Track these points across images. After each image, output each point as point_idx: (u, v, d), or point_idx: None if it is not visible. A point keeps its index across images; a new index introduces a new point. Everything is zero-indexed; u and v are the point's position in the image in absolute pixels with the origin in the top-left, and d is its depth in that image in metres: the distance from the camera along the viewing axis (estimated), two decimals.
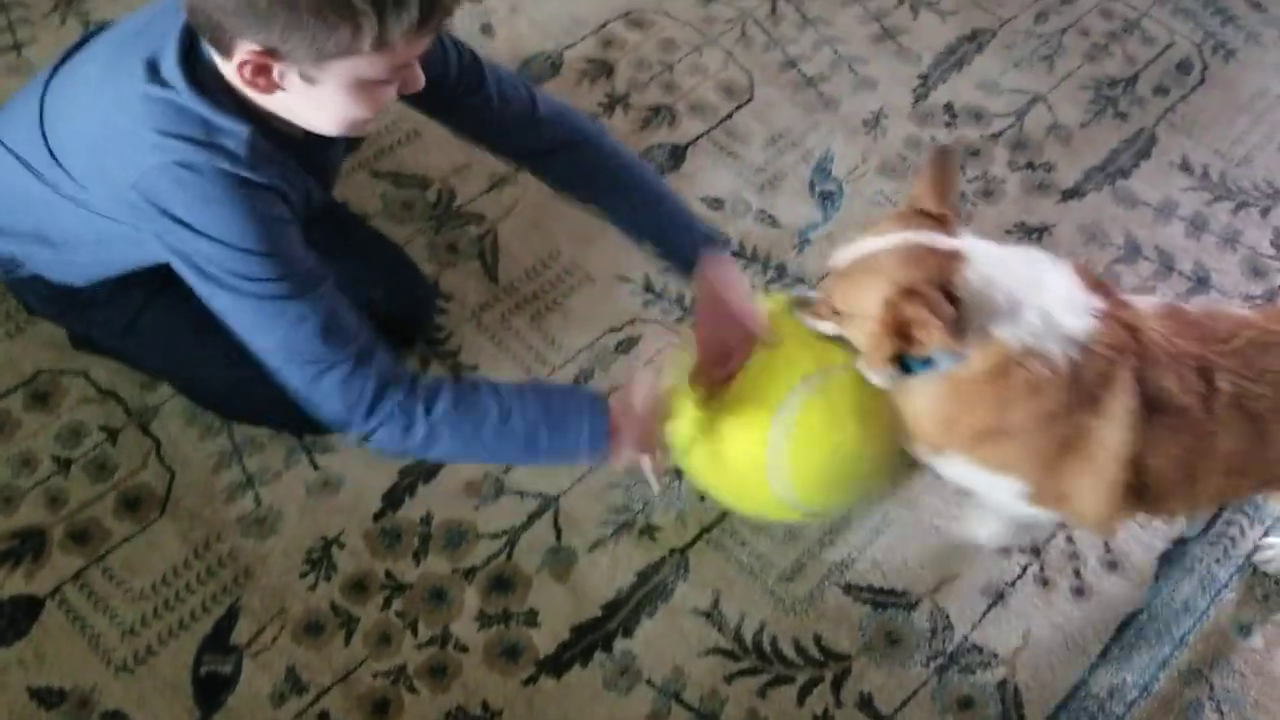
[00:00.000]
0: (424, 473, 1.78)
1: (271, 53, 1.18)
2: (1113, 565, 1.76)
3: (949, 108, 2.35)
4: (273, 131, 1.31)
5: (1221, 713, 1.64)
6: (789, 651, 1.67)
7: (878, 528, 1.78)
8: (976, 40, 2.47)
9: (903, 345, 1.29)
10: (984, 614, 1.71)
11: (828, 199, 2.18)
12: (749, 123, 2.28)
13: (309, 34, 1.14)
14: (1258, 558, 1.78)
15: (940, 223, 1.34)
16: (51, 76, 1.41)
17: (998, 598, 1.72)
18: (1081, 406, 1.32)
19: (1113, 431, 1.33)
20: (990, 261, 1.31)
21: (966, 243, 1.33)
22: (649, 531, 1.75)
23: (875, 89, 2.37)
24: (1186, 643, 1.69)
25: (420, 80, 1.30)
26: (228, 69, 1.23)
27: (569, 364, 1.91)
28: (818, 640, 1.68)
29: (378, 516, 1.74)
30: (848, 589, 1.72)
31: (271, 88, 1.23)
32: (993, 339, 1.29)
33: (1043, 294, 1.31)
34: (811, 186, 2.20)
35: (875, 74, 2.39)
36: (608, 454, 1.41)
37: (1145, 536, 1.79)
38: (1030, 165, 2.26)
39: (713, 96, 2.31)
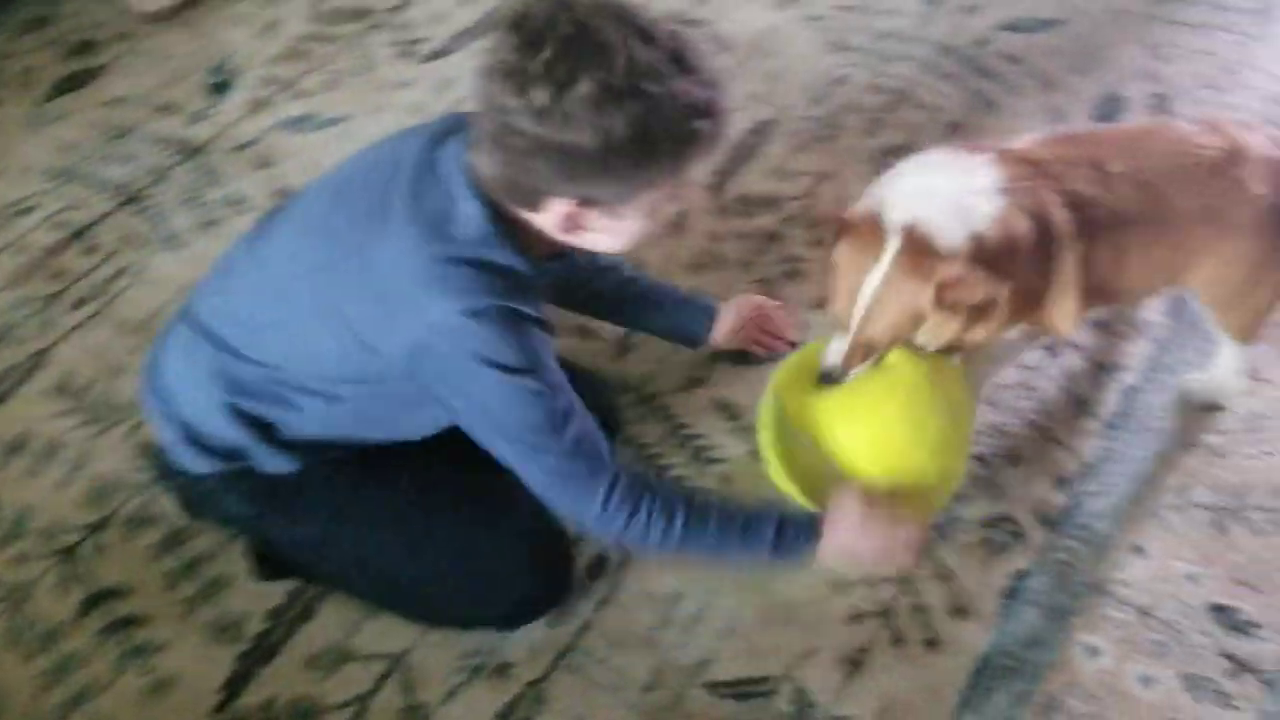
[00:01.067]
0: (262, 654, 1.73)
1: (587, 202, 1.33)
2: (960, 611, 1.78)
3: (744, 199, 2.43)
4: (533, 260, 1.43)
5: None
6: None
7: (731, 618, 1.78)
8: (762, 131, 2.58)
9: (969, 312, 1.53)
10: (844, 684, 1.71)
11: None
12: None
13: (623, 185, 1.32)
14: (1184, 390, 2.03)
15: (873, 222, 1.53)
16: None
17: (854, 665, 1.73)
18: (1040, 232, 1.55)
19: (1064, 243, 1.58)
20: (920, 202, 1.52)
21: (903, 207, 1.52)
22: (502, 670, 1.72)
23: None
24: (1041, 675, 1.71)
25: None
26: (533, 218, 1.37)
27: None
28: None
29: (219, 709, 1.68)
30: (710, 687, 1.71)
31: (581, 230, 1.38)
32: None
33: (950, 186, 1.54)
34: None
35: None
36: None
37: (986, 576, 1.82)
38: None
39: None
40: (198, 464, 1.59)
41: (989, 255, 1.51)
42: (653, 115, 1.24)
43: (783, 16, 2.86)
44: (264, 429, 1.56)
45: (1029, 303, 1.64)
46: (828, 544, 1.55)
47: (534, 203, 1.35)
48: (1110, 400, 2.04)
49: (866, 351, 1.60)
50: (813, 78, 2.71)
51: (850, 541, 1.55)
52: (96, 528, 1.90)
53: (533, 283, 1.41)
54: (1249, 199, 1.67)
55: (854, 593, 1.80)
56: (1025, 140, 1.68)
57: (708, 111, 1.30)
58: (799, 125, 2.59)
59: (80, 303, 2.27)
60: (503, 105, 1.24)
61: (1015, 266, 1.55)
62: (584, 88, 1.20)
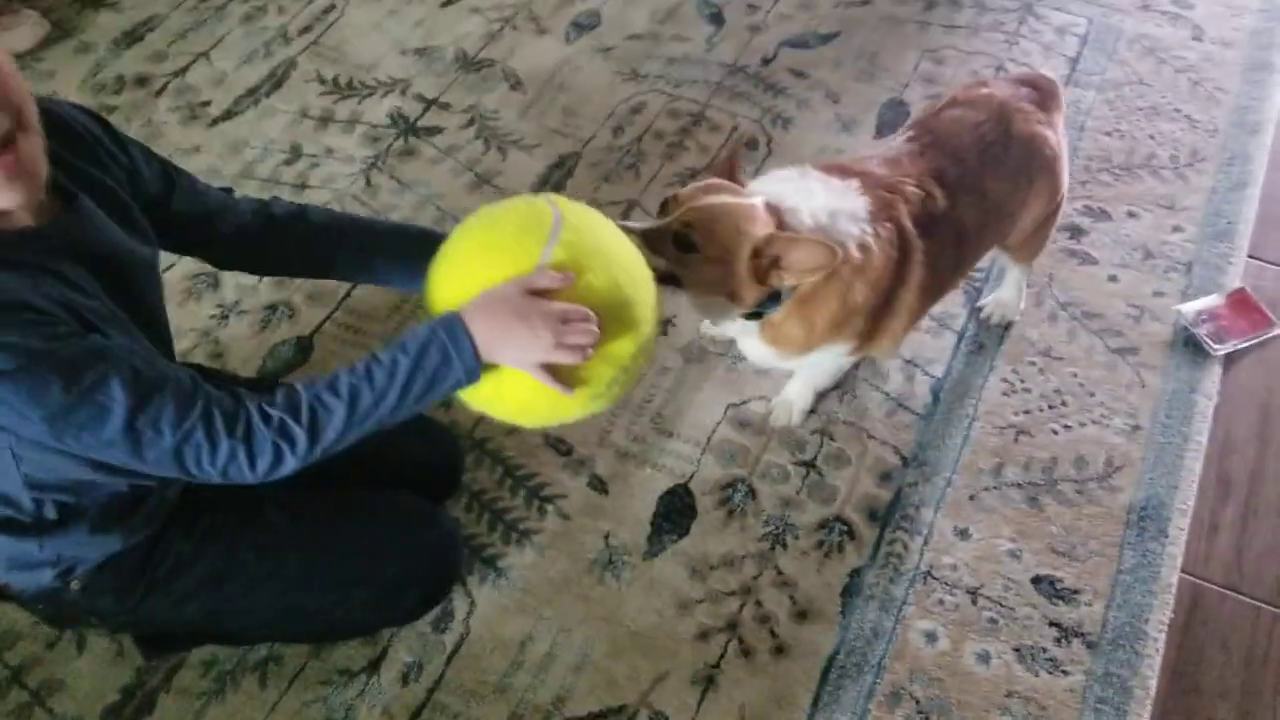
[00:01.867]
0: None
1: None
2: (802, 615, 1.83)
3: None
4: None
5: None
6: None
7: (582, 652, 1.78)
8: (565, 165, 2.60)
9: (763, 282, 1.56)
10: (699, 703, 1.73)
11: None
12: (369, 296, 2.29)
13: None
14: (982, 315, 2.23)
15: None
16: None
17: (708, 682, 1.75)
18: (897, 261, 1.65)
19: (915, 270, 1.68)
20: (792, 196, 1.60)
21: (770, 189, 1.62)
22: None
23: None
24: (885, 666, 1.77)
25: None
26: None
27: None
28: None
29: None
30: None
31: None
32: None
33: (824, 199, 1.60)
34: None
35: None
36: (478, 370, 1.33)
37: (824, 577, 1.87)
38: None
39: (327, 281, 2.30)
40: (39, 578, 1.48)
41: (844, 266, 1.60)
42: None
43: (573, 49, 2.89)
44: (36, 528, 1.42)
45: (868, 319, 1.71)
46: (478, 333, 1.30)
47: None
48: (921, 393, 2.13)
49: (666, 234, 1.54)
50: (610, 108, 2.74)
51: (500, 320, 1.30)
52: None
53: None
54: (1033, 145, 1.81)
55: (699, 610, 1.83)
56: (873, 161, 1.74)
57: None
58: (601, 156, 2.62)
59: None
60: None
61: (861, 284, 1.63)
62: None
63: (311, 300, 2.27)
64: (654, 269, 1.45)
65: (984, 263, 2.34)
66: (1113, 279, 2.34)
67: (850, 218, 1.61)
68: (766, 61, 2.88)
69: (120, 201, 1.40)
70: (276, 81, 2.75)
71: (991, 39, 2.95)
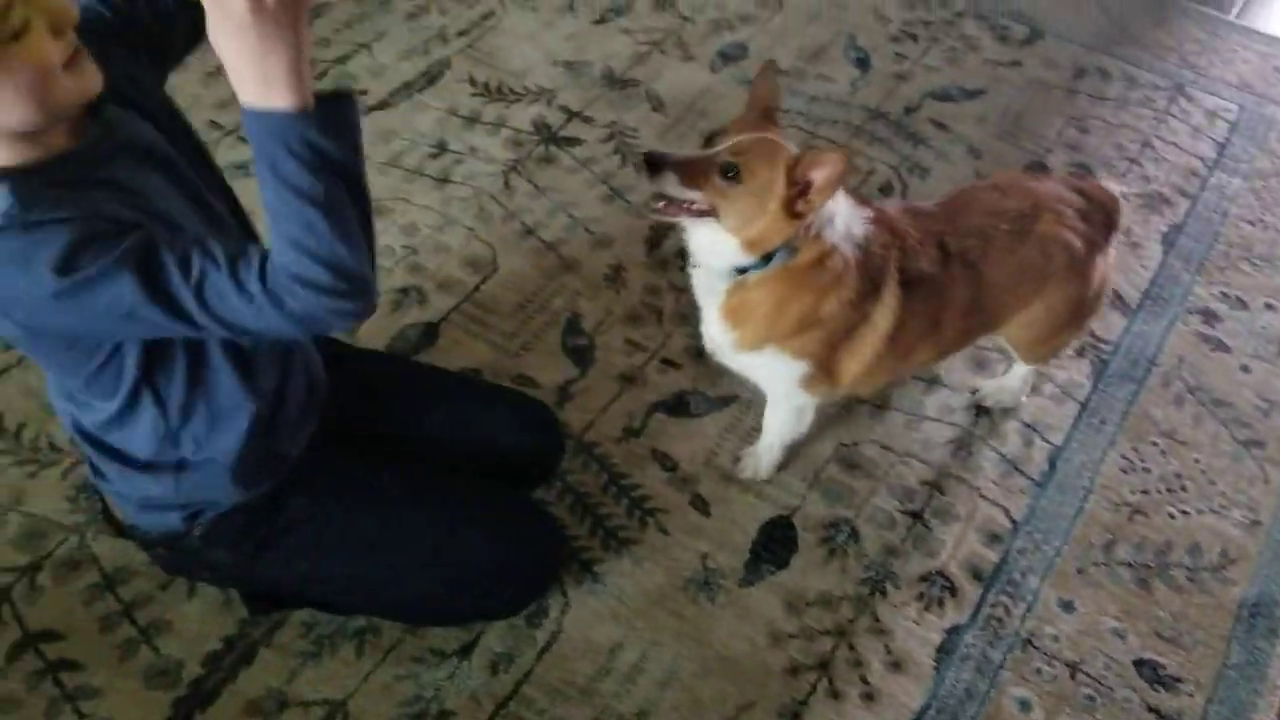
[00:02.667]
0: (200, 699, 1.69)
1: None
2: (895, 665, 1.81)
3: (681, 254, 2.46)
4: (41, 168, 1.20)
5: None
6: None
7: (670, 669, 1.78)
8: None
9: (792, 214, 1.57)
10: None
11: (579, 354, 2.24)
12: (496, 292, 2.34)
13: None
14: (977, 395, 2.18)
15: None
16: None
17: (793, 719, 1.74)
18: (868, 294, 1.68)
19: (883, 314, 1.71)
20: None
21: None
22: (443, 718, 1.71)
23: (611, 245, 2.47)
24: None
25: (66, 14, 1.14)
26: None
27: None
28: None
29: None
30: None
31: None
32: (819, 236, 1.62)
33: (842, 207, 1.65)
34: (564, 344, 2.26)
35: (609, 231, 2.50)
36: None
37: (921, 631, 1.86)
38: None
39: (459, 272, 2.36)
40: (168, 520, 1.53)
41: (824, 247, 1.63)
42: None
43: (717, 78, 2.92)
44: (175, 467, 1.46)
45: (826, 343, 1.73)
46: (258, 96, 1.11)
47: None
48: (1038, 459, 2.11)
49: (713, 164, 1.56)
50: None
51: (247, 61, 1.10)
52: (29, 570, 1.84)
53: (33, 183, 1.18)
54: (1051, 248, 1.78)
55: (791, 645, 1.82)
56: (895, 207, 1.78)
57: None
58: None
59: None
60: None
61: (833, 297, 1.66)
62: None
63: (442, 289, 2.32)
64: (689, 201, 1.59)
65: (1113, 335, 2.32)
66: (1244, 369, 2.30)
67: (851, 234, 1.65)
68: (909, 110, 2.88)
69: (131, 99, 1.35)
70: (431, 79, 2.82)
71: (1140, 114, 2.92)
